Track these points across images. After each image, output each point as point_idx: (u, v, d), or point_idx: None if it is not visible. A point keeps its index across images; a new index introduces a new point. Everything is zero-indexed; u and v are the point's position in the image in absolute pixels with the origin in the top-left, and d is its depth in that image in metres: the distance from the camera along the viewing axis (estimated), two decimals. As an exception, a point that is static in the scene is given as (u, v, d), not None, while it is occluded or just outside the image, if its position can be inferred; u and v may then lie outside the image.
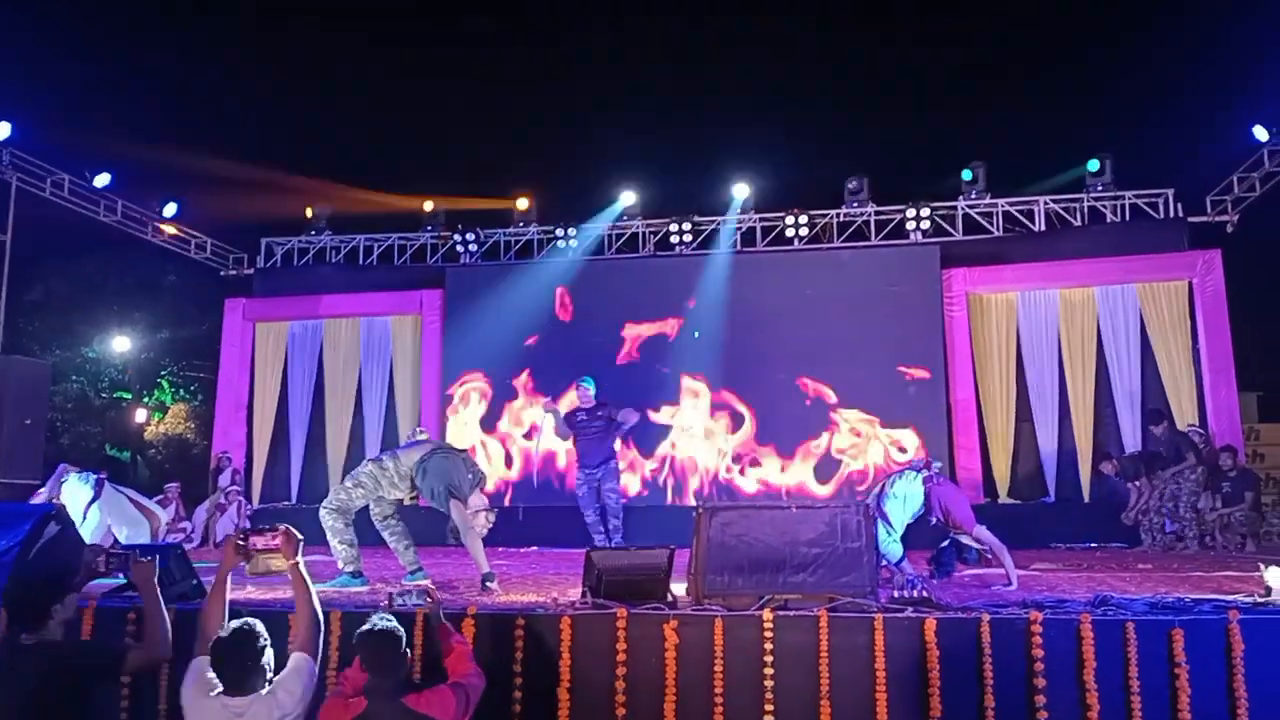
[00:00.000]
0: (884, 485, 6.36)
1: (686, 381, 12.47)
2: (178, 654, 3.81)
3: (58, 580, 3.86)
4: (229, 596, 3.77)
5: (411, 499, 6.67)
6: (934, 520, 6.32)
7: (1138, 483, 10.29)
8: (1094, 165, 12.47)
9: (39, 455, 10.73)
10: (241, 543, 3.84)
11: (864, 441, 12.00)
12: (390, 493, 6.48)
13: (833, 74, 16.38)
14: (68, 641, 3.81)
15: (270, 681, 3.43)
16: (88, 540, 6.56)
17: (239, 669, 3.38)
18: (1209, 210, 12.35)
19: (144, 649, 3.75)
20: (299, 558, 3.80)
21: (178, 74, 16.36)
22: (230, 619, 3.60)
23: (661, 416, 12.40)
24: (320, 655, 3.69)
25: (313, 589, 3.75)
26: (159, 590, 3.84)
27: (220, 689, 3.39)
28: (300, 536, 3.84)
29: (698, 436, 12.36)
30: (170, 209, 13.92)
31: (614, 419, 8.75)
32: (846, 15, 15.47)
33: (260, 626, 3.48)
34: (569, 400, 9.90)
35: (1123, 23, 14.52)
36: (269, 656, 3.45)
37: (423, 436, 7.33)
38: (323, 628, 3.79)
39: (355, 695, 3.51)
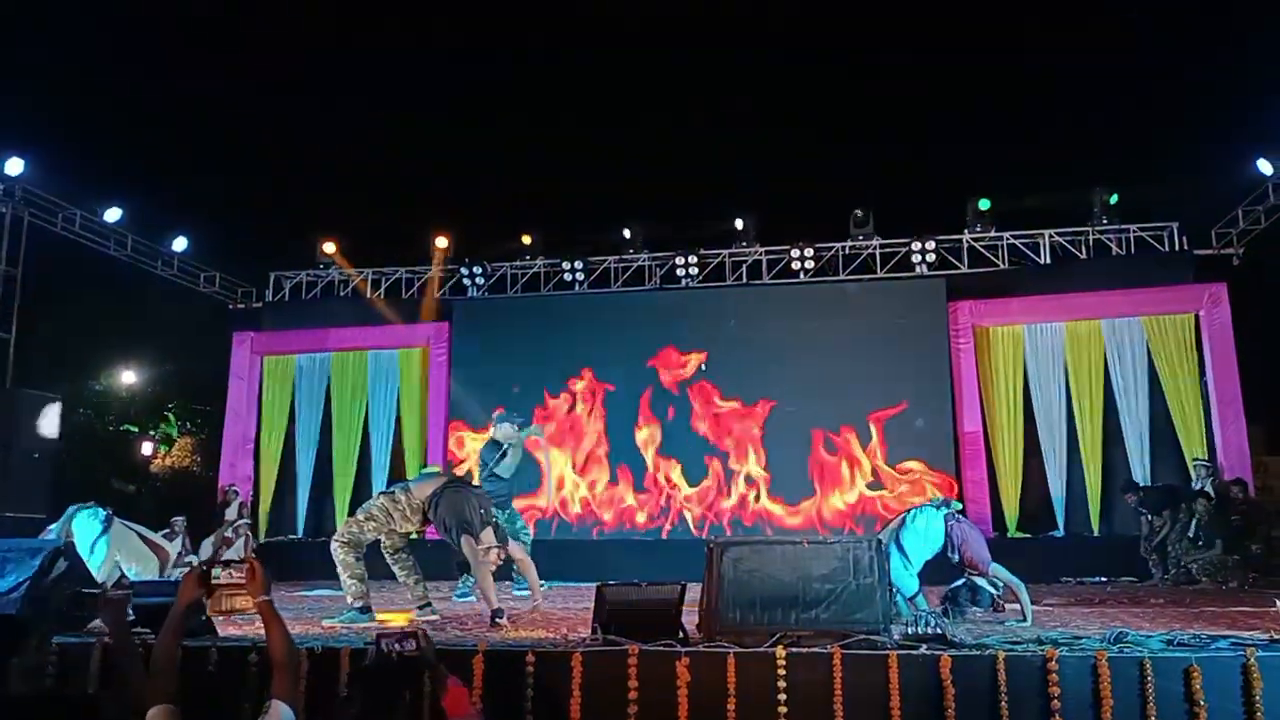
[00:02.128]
0: (904, 518, 6.33)
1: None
2: (176, 700, 3.30)
3: (16, 628, 3.54)
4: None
5: (419, 532, 6.66)
6: (955, 558, 6.30)
7: (1151, 517, 10.21)
8: (1115, 198, 12.52)
9: (48, 488, 10.73)
10: (204, 574, 3.45)
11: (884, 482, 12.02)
12: (401, 525, 6.48)
13: (836, 107, 16.48)
14: (25, 694, 3.44)
15: None
16: (96, 576, 6.53)
17: None
18: (1214, 243, 12.37)
19: (115, 697, 3.30)
20: (268, 595, 3.40)
21: (188, 109, 16.49)
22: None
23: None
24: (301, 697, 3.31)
25: (286, 627, 3.38)
26: (140, 630, 3.53)
27: None
28: (267, 571, 3.46)
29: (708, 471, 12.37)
30: (180, 243, 14.01)
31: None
32: (849, 49, 15.61)
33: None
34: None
35: (1126, 56, 14.63)
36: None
37: (435, 470, 7.35)
38: (301, 667, 3.40)
39: None
